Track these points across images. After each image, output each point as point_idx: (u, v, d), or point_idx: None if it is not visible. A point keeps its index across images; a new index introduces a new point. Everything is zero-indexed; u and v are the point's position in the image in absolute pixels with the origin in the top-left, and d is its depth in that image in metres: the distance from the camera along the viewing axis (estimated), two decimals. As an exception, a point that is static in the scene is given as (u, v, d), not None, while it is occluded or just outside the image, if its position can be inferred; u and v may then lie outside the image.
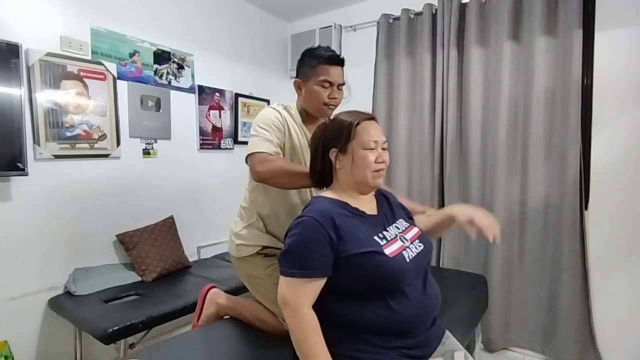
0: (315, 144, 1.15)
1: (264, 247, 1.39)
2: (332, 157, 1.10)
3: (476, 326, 1.84)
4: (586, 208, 2.10)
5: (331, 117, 1.15)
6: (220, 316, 1.51)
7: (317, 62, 1.35)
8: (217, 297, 1.54)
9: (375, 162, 1.06)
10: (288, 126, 1.37)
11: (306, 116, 1.42)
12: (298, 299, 0.95)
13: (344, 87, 1.42)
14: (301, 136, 1.39)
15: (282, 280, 0.99)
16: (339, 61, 1.38)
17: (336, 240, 0.97)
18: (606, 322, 2.07)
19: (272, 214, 1.39)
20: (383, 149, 1.10)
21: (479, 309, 1.86)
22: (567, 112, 2.06)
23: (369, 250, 0.98)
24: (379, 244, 1.01)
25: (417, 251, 1.06)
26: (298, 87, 1.42)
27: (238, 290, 1.97)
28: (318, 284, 0.97)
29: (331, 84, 1.36)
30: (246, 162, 1.32)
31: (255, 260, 1.40)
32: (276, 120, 1.34)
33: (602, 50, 2.03)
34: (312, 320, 0.95)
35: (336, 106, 1.41)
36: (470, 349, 1.87)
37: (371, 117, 1.12)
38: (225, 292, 1.62)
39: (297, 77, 1.42)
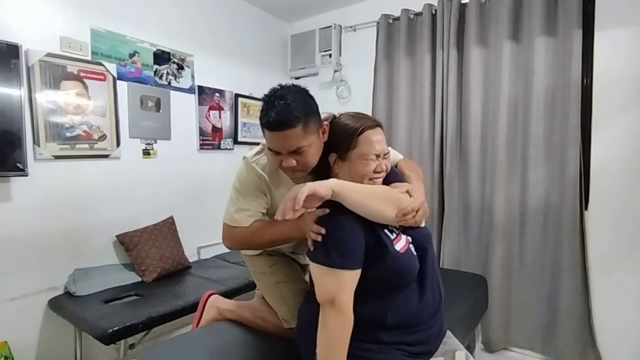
0: None
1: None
2: (331, 161, 1.09)
3: (476, 326, 1.84)
4: (586, 208, 2.10)
5: (337, 117, 1.12)
6: (219, 321, 1.50)
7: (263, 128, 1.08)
8: (217, 302, 1.53)
9: (374, 171, 1.04)
10: (268, 185, 1.20)
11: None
12: (345, 297, 0.92)
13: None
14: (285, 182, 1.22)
15: (327, 274, 0.93)
16: (278, 126, 1.01)
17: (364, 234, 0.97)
18: (606, 322, 2.07)
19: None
20: (384, 158, 1.08)
21: (479, 309, 1.86)
22: (567, 112, 2.06)
23: (383, 246, 0.97)
24: (390, 238, 1.00)
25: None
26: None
27: (238, 291, 1.98)
28: (358, 276, 0.96)
29: (278, 153, 1.07)
30: None
31: (259, 259, 1.39)
32: (253, 182, 1.20)
33: (602, 51, 2.03)
34: (351, 325, 0.93)
35: (303, 171, 1.11)
36: (470, 349, 1.87)
37: (376, 125, 1.07)
38: (225, 292, 1.63)
39: None
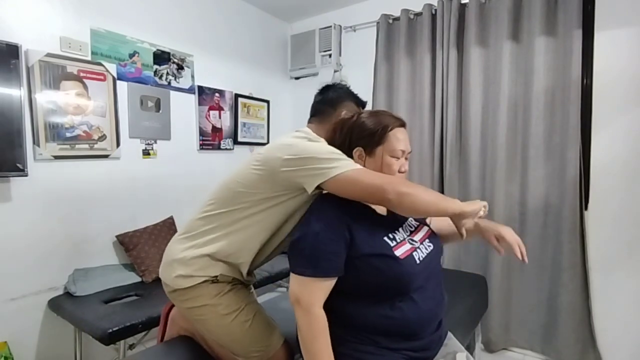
0: (342, 137, 1.10)
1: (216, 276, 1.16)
2: (356, 156, 1.07)
3: (476, 326, 1.84)
4: (586, 208, 2.10)
5: (359, 114, 1.12)
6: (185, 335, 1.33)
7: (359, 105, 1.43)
8: (178, 318, 1.35)
9: (398, 171, 1.06)
10: None
11: None
12: (309, 299, 0.94)
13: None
14: None
15: (294, 278, 0.97)
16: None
17: (349, 240, 0.96)
18: (606, 322, 2.07)
19: (243, 241, 1.14)
20: (406, 158, 1.09)
21: (479, 309, 1.86)
22: (567, 112, 2.06)
23: (379, 252, 0.97)
24: (389, 245, 0.99)
25: (427, 251, 1.06)
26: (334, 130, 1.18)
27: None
28: (330, 283, 0.97)
29: None
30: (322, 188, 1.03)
31: (201, 289, 1.14)
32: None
33: (602, 50, 2.03)
34: (322, 322, 0.94)
35: None
36: (470, 349, 1.87)
37: (403, 124, 1.10)
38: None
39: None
